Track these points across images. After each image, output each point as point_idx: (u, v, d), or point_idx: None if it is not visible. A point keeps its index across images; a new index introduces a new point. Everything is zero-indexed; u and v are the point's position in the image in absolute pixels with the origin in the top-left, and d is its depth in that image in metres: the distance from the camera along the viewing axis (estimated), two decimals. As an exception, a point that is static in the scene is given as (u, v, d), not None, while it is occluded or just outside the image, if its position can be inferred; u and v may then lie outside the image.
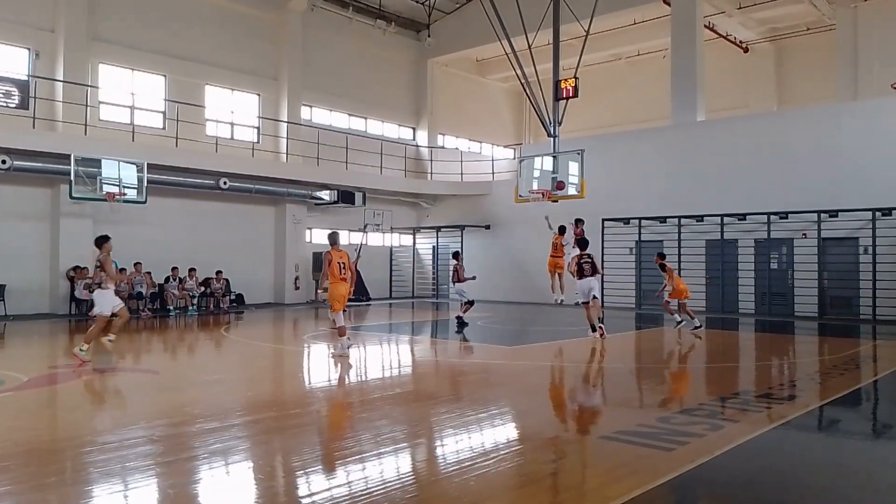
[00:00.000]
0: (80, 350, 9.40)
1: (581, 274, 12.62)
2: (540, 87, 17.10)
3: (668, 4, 21.78)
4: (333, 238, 10.66)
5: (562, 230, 14.71)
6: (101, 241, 9.78)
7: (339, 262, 10.40)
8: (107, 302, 9.66)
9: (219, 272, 19.66)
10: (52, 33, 18.03)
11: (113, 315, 9.81)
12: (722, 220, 19.09)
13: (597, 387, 9.04)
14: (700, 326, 14.22)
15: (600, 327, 12.53)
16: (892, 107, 17.66)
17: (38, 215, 17.60)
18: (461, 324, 14.79)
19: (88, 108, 17.68)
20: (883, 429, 6.83)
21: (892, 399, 8.44)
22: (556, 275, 14.58)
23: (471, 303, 15.36)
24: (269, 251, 22.47)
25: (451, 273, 15.79)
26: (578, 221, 14.34)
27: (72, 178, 16.19)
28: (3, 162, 15.80)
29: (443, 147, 28.31)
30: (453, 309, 21.80)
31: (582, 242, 13.05)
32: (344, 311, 10.56)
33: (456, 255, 16.09)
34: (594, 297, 12.64)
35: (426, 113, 27.77)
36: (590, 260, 12.79)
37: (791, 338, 14.33)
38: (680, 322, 14.31)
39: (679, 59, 21.48)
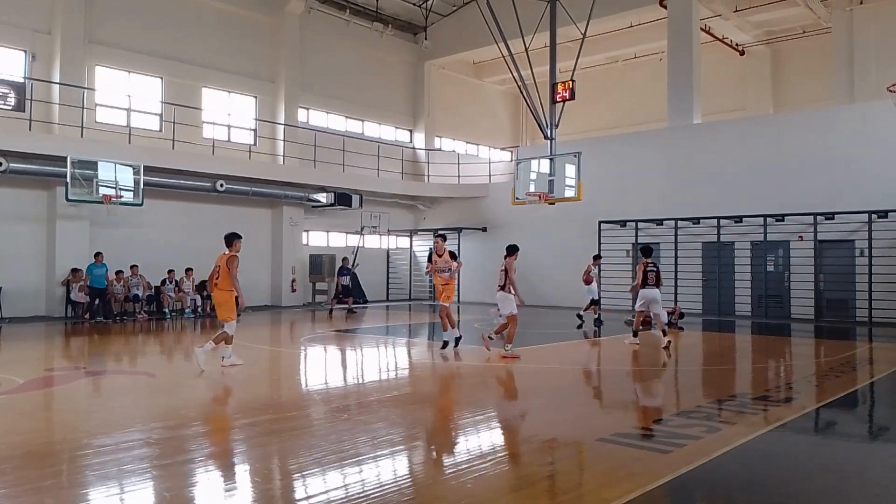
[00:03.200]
0: (506, 349, 10.73)
1: (645, 282, 12.23)
2: (537, 89, 17.14)
3: (665, 7, 21.84)
4: None
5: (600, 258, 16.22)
6: (512, 251, 11.13)
7: None
8: (511, 304, 11.03)
9: (215, 274, 19.59)
10: (48, 35, 17.99)
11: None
12: (718, 222, 19.11)
13: (594, 389, 9.04)
14: (450, 345, 11.68)
15: (668, 340, 12.00)
16: (888, 109, 17.71)
17: (34, 218, 17.55)
18: (598, 321, 15.83)
19: (85, 110, 17.65)
20: (879, 431, 6.84)
21: (888, 401, 8.46)
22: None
23: (594, 301, 16.17)
24: (265, 253, 22.43)
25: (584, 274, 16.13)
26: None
27: (68, 180, 16.12)
28: (0, 164, 15.76)
29: (440, 149, 28.32)
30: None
31: (646, 250, 12.75)
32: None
33: (596, 258, 16.46)
34: (655, 314, 12.36)
35: (423, 115, 27.77)
36: (655, 269, 12.38)
37: (787, 340, 14.34)
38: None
39: (675, 62, 21.52)
